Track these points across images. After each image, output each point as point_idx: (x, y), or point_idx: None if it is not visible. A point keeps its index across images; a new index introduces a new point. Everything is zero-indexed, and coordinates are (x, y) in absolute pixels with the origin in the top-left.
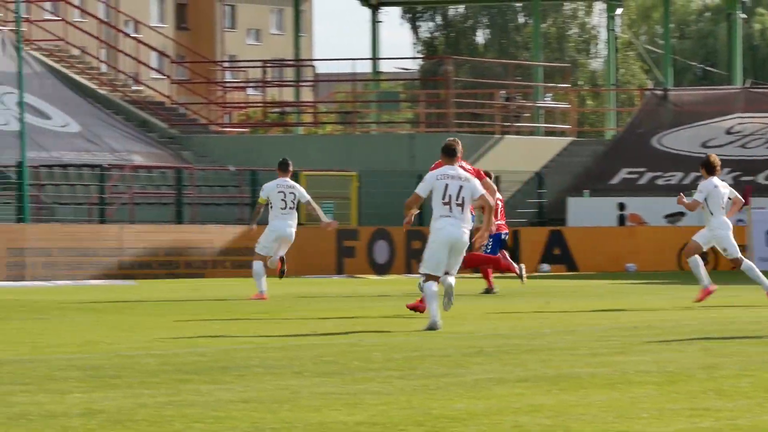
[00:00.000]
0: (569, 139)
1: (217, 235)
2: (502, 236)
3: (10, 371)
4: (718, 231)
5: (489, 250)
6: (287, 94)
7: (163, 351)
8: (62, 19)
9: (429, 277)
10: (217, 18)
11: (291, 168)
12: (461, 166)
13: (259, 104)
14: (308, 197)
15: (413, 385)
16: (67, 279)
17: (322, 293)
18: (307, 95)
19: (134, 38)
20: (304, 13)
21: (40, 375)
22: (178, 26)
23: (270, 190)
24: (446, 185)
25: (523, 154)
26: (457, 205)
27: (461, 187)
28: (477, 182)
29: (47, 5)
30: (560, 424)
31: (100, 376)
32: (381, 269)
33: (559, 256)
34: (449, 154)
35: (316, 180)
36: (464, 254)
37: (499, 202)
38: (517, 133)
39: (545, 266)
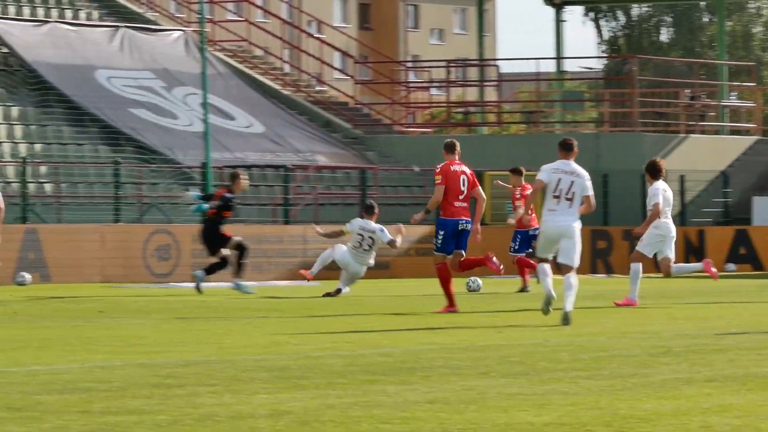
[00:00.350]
0: (754, 138)
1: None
2: (529, 233)
3: (196, 372)
4: (670, 234)
5: (518, 248)
6: (471, 94)
7: (350, 351)
8: (245, 20)
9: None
10: (400, 18)
11: (376, 211)
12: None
13: (442, 104)
14: (389, 238)
15: (600, 386)
16: (252, 280)
17: (507, 292)
18: (490, 95)
19: (317, 38)
20: (487, 12)
21: (227, 376)
22: (361, 26)
23: (353, 227)
24: (559, 179)
25: (708, 153)
26: (567, 199)
27: (572, 182)
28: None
29: (230, 6)
30: (749, 424)
31: (287, 377)
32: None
33: (745, 255)
34: (566, 149)
35: (500, 180)
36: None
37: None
38: (702, 132)
39: (731, 265)
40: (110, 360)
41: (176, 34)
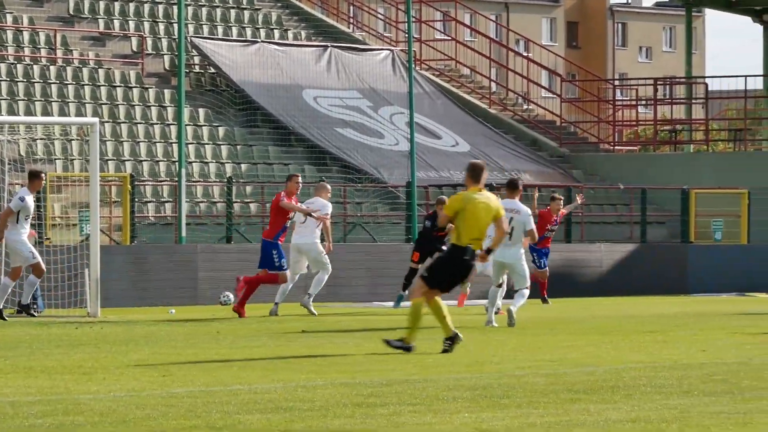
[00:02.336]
0: None
1: (606, 254)
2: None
3: (398, 391)
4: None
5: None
6: (678, 112)
7: (552, 370)
8: (453, 39)
9: None
10: (608, 36)
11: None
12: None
13: (649, 122)
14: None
15: None
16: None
17: (717, 311)
18: (698, 113)
19: (525, 57)
20: (695, 29)
21: (429, 395)
22: (568, 44)
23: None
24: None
25: None
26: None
27: (512, 218)
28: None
29: (438, 25)
30: None
31: (489, 395)
32: None
33: None
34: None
35: (706, 198)
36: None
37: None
38: None
39: None
40: (312, 379)
41: (384, 53)
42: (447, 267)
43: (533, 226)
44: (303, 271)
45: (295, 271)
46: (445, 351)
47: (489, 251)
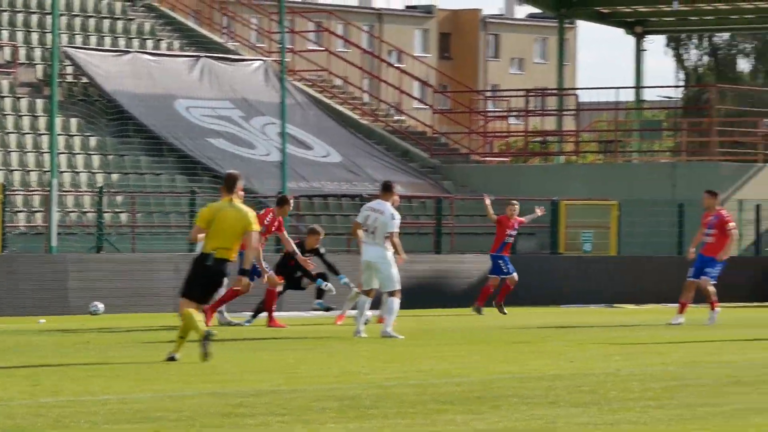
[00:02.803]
0: None
1: (476, 265)
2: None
3: (266, 402)
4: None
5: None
6: (549, 123)
7: (420, 381)
8: (325, 50)
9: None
10: (481, 47)
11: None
12: None
13: (520, 133)
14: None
15: (670, 415)
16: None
17: (585, 323)
18: (569, 124)
19: (397, 68)
20: (567, 41)
21: (298, 405)
22: (441, 56)
23: None
24: (367, 216)
25: None
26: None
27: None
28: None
29: (311, 35)
30: None
31: (357, 406)
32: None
33: None
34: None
35: (576, 209)
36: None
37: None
38: None
39: None
40: (181, 389)
41: (256, 63)
42: (193, 276)
43: (395, 229)
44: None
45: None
46: (206, 354)
47: (243, 272)
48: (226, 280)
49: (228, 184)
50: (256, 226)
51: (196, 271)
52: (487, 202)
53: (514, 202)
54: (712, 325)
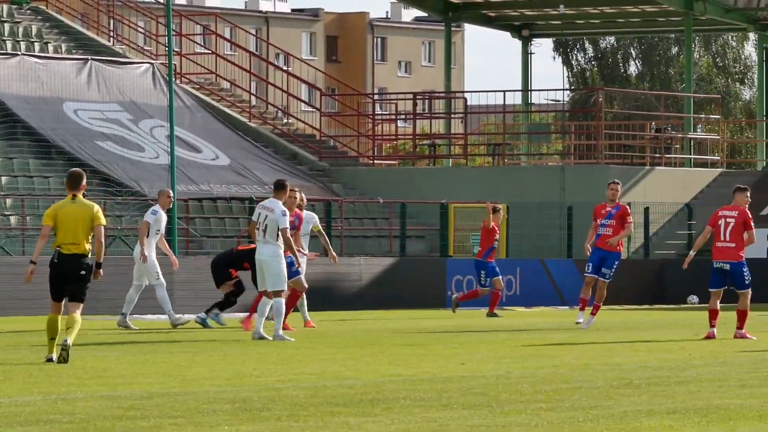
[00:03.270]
0: (719, 170)
1: (366, 267)
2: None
3: (159, 404)
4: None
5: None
6: (437, 126)
7: (312, 383)
8: (213, 52)
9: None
10: (368, 50)
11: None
12: None
13: (409, 136)
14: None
15: (562, 417)
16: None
17: (475, 325)
18: (457, 127)
19: (284, 71)
20: (455, 44)
21: (190, 408)
22: (328, 59)
23: None
24: (259, 213)
25: (673, 185)
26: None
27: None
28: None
29: (198, 38)
30: None
31: (249, 408)
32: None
33: None
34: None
35: (464, 212)
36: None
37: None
38: (667, 164)
39: (694, 297)
40: (73, 392)
41: (144, 66)
42: (50, 276)
43: (286, 225)
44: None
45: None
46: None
47: (98, 265)
48: (84, 273)
49: (70, 180)
50: (100, 221)
51: (51, 271)
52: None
53: (500, 207)
54: (588, 329)
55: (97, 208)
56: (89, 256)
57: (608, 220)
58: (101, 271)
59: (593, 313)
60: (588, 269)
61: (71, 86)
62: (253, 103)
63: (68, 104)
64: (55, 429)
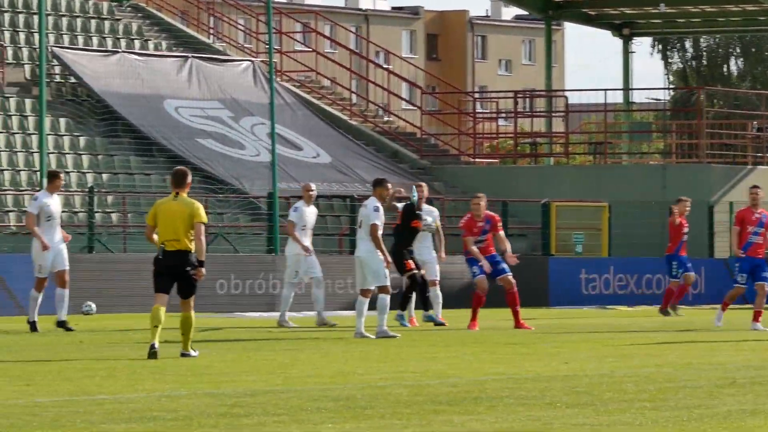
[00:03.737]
0: None
1: (465, 266)
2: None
3: (262, 402)
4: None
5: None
6: (538, 125)
7: (415, 382)
8: (313, 50)
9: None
10: (468, 48)
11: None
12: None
13: (510, 135)
14: None
15: (666, 417)
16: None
17: (578, 324)
18: (558, 126)
19: (385, 69)
20: (555, 43)
21: (293, 405)
22: (428, 57)
23: None
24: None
25: None
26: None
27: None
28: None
29: (298, 36)
30: None
31: (353, 406)
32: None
33: None
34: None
35: (566, 210)
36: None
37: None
38: None
39: None
40: (177, 389)
41: (244, 64)
42: (154, 271)
43: (376, 221)
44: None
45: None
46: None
47: (200, 263)
48: (189, 269)
49: (174, 178)
50: (201, 219)
51: (155, 268)
52: None
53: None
54: (718, 327)
55: (197, 205)
56: (192, 252)
57: (760, 228)
58: (203, 270)
59: (756, 319)
60: (742, 279)
61: (172, 84)
62: (354, 101)
63: (169, 102)
64: (158, 426)
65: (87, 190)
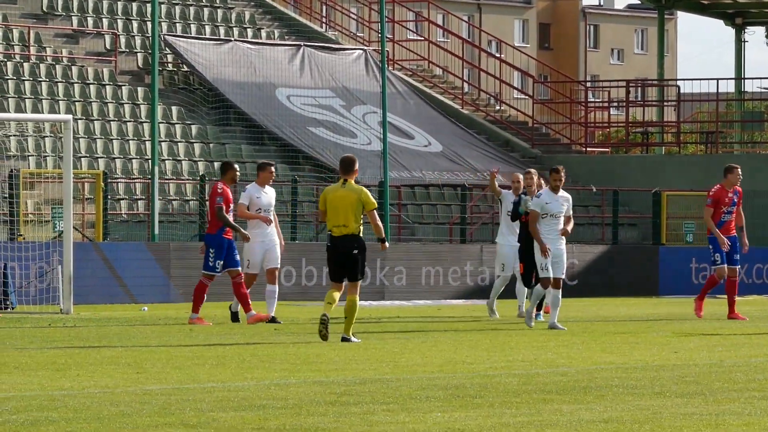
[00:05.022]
0: None
1: (578, 255)
2: None
3: (372, 390)
4: None
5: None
6: (649, 114)
7: (524, 371)
8: (426, 39)
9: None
10: (580, 37)
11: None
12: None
13: (621, 124)
14: None
15: None
16: (427, 298)
17: (688, 314)
18: (670, 115)
19: (497, 58)
20: (667, 32)
21: (402, 394)
22: (540, 46)
23: None
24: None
25: None
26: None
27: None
28: None
29: (410, 25)
30: None
31: (462, 395)
32: None
33: None
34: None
35: (677, 200)
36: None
37: None
38: None
39: None
40: (286, 378)
41: (356, 53)
42: (328, 258)
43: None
44: None
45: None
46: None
47: (383, 240)
48: (356, 252)
49: (342, 165)
50: (370, 205)
51: (327, 254)
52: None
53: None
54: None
55: (365, 191)
56: (360, 236)
57: (733, 207)
58: (387, 243)
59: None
60: (719, 259)
61: (284, 72)
62: (466, 89)
63: (281, 90)
64: (268, 414)
65: (198, 178)
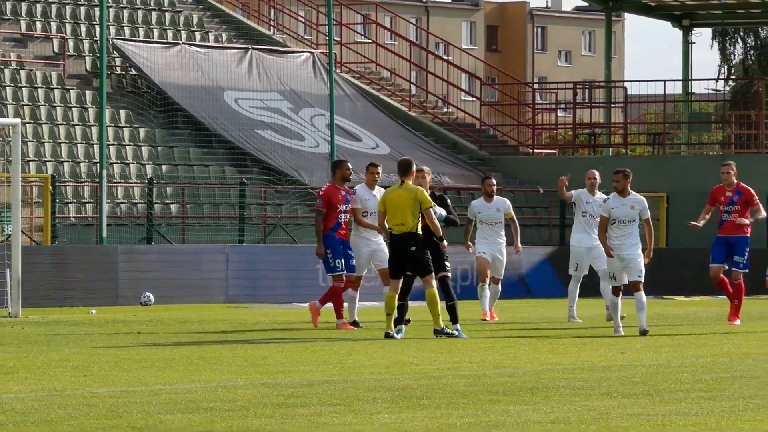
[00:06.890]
0: None
1: (524, 257)
2: None
3: (319, 392)
4: None
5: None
6: (597, 116)
7: (471, 372)
8: (373, 42)
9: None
10: (528, 39)
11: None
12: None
13: (569, 125)
14: None
15: (722, 407)
16: (374, 300)
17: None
18: (617, 116)
19: (445, 60)
20: (615, 34)
21: (349, 395)
22: (488, 48)
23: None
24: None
25: None
26: None
27: None
28: None
29: (358, 28)
30: None
31: (409, 396)
32: None
33: None
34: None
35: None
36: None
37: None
38: None
39: None
40: (233, 380)
41: (304, 56)
42: (389, 256)
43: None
44: None
45: None
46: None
47: (441, 239)
48: (414, 249)
49: (399, 168)
50: (426, 204)
51: (389, 252)
52: None
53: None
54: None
55: (421, 191)
56: (418, 233)
57: (731, 206)
58: (445, 242)
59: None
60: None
61: (232, 75)
62: (413, 92)
63: (229, 93)
64: (215, 416)
65: (146, 181)
